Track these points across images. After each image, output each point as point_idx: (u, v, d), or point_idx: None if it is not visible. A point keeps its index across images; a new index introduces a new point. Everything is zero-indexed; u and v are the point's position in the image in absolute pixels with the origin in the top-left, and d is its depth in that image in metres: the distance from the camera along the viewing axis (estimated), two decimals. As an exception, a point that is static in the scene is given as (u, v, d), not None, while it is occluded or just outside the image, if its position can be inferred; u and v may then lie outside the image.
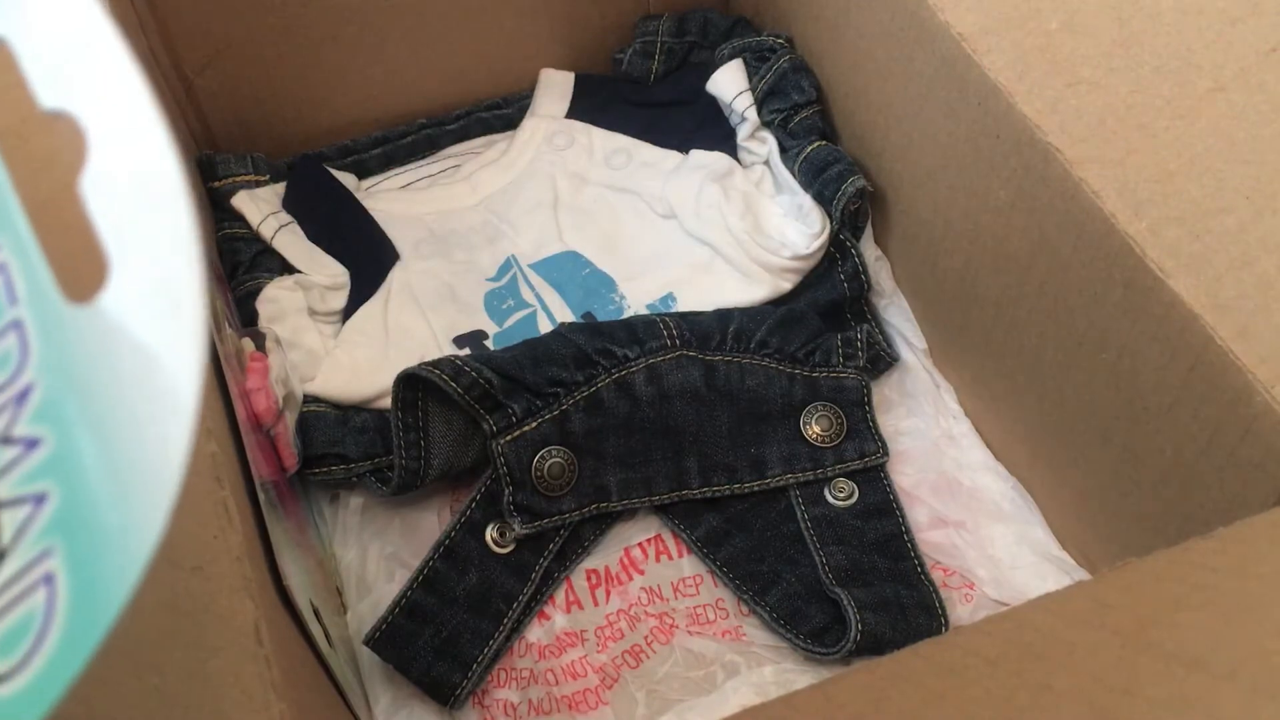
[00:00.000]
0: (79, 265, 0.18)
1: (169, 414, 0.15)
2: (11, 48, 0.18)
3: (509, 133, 0.58)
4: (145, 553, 0.15)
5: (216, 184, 0.52)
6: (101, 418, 0.16)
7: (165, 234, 0.16)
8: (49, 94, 0.18)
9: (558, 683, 0.42)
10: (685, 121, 0.56)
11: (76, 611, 0.15)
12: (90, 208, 0.17)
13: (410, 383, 0.43)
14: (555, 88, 0.58)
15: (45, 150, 0.24)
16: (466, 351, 0.49)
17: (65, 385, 0.17)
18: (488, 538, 0.44)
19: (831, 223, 0.50)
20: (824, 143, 0.51)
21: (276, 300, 0.48)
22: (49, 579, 0.15)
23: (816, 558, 0.44)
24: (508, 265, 0.53)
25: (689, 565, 0.45)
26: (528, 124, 0.58)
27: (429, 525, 0.46)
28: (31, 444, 0.16)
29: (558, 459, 0.44)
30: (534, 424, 0.44)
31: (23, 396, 0.17)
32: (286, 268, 0.50)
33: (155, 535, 0.15)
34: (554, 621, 0.44)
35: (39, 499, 0.16)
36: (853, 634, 0.41)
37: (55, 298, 0.17)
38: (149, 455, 0.15)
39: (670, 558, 0.45)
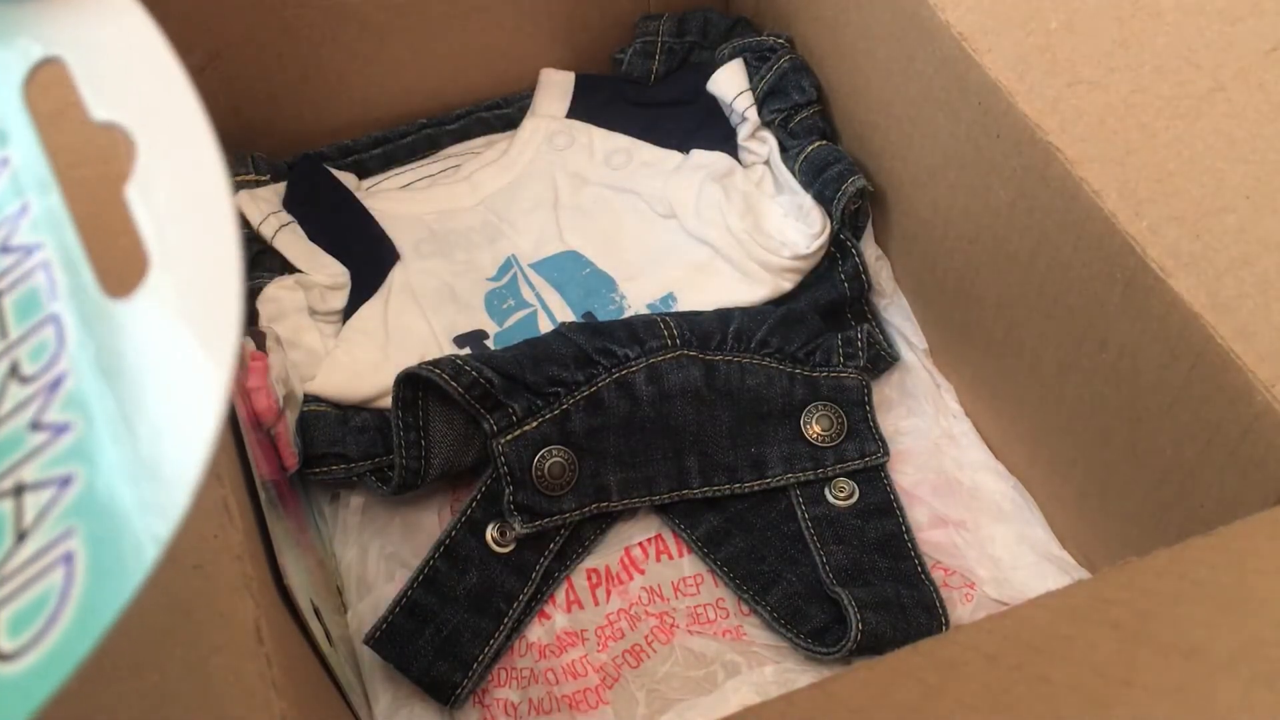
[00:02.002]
0: (121, 265, 0.19)
1: (197, 406, 0.16)
2: (68, 66, 0.20)
3: (509, 133, 0.58)
4: (163, 538, 0.16)
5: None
6: (131, 407, 0.17)
7: (207, 237, 0.17)
8: (101, 108, 0.19)
9: (558, 682, 0.42)
10: (685, 121, 0.56)
11: (92, 592, 0.15)
12: (135, 212, 0.18)
13: (411, 382, 0.43)
14: (555, 88, 0.58)
15: (95, 159, 0.25)
16: (467, 351, 0.49)
17: (98, 375, 0.17)
18: (488, 537, 0.44)
19: (832, 222, 0.50)
20: (824, 142, 0.51)
21: (277, 300, 0.48)
22: (68, 558, 0.16)
23: (817, 557, 0.44)
24: (508, 265, 0.53)
25: (689, 565, 0.45)
26: (528, 124, 0.58)
27: (429, 525, 0.46)
28: (60, 430, 0.17)
29: (558, 458, 0.44)
30: (534, 423, 0.44)
31: (55, 385, 0.17)
32: (287, 267, 0.50)
33: (174, 522, 0.16)
34: (554, 621, 0.44)
35: (64, 482, 0.17)
36: (853, 633, 0.41)
37: (95, 293, 0.18)
38: (175, 446, 0.16)
39: (670, 557, 0.45)
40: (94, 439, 0.17)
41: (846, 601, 0.42)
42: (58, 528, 0.16)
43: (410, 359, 0.46)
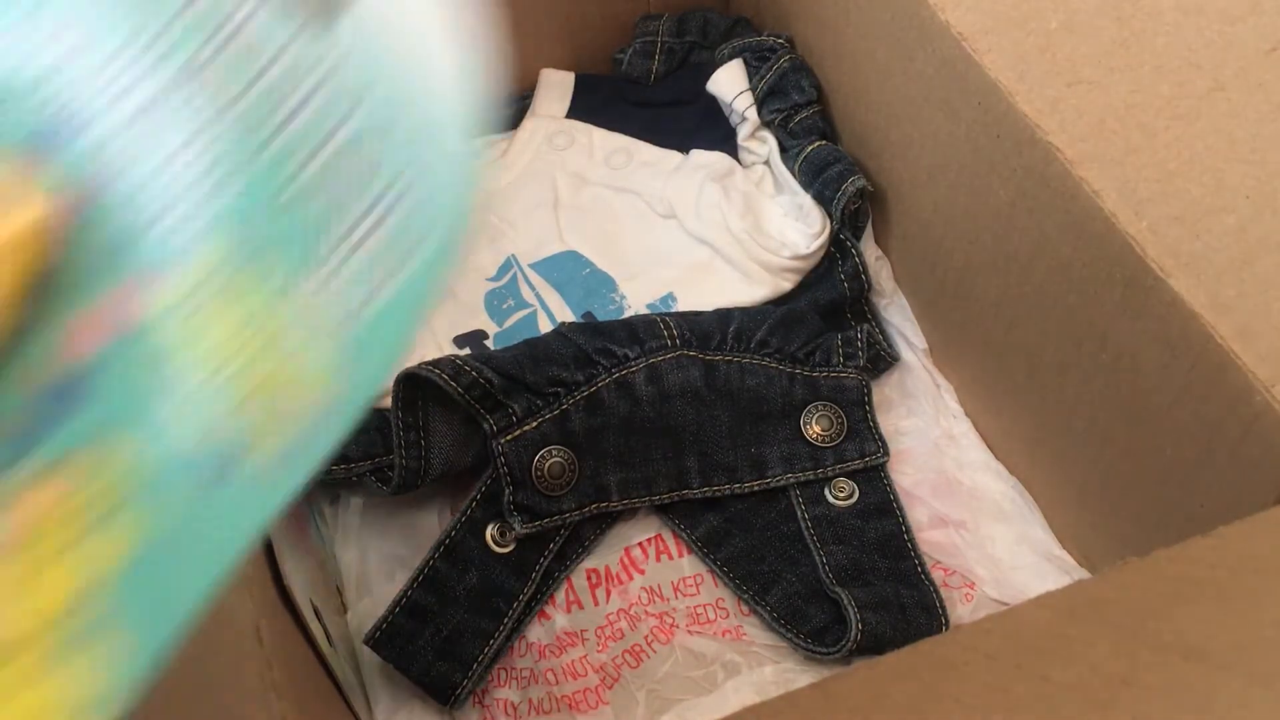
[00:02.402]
0: None
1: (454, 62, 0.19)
2: None
3: (509, 133, 0.58)
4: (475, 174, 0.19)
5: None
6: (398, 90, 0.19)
7: None
8: None
9: (558, 682, 0.42)
10: (685, 121, 0.56)
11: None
12: None
13: (411, 382, 0.43)
14: (555, 88, 0.58)
15: None
16: (467, 351, 0.49)
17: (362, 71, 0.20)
18: (488, 537, 0.44)
19: (832, 222, 0.50)
20: (824, 142, 0.51)
21: (277, 300, 0.48)
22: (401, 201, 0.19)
23: (817, 557, 0.44)
24: (508, 265, 0.53)
25: (689, 565, 0.45)
26: (528, 124, 0.58)
27: (429, 525, 0.46)
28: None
29: (558, 459, 0.44)
30: (534, 424, 0.44)
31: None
32: (287, 267, 0.50)
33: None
34: (554, 621, 0.44)
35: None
36: (853, 633, 0.41)
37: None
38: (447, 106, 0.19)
39: (670, 557, 0.45)
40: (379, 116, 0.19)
41: (846, 601, 0.42)
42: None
43: (410, 359, 0.46)
